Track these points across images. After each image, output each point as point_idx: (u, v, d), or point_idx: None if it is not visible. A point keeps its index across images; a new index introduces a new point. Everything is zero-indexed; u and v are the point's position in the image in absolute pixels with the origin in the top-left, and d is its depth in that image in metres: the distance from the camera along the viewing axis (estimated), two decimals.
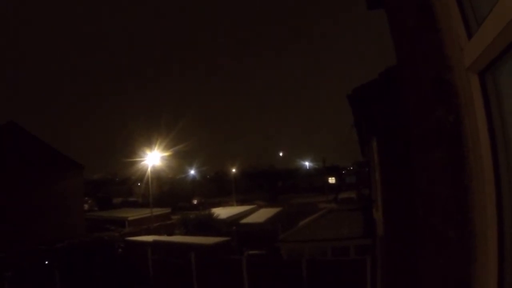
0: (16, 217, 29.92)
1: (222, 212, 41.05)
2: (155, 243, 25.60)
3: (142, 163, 45.93)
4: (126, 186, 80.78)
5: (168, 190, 69.69)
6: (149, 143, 45.10)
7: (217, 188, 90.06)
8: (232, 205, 58.00)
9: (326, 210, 26.51)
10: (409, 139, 4.81)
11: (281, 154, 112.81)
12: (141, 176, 52.11)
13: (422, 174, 3.85)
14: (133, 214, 46.20)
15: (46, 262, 24.20)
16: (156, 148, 44.69)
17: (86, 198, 59.92)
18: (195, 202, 75.58)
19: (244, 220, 39.37)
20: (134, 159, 48.09)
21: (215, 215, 38.16)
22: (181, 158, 68.46)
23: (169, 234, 32.09)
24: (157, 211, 46.87)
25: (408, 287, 5.87)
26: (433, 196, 3.33)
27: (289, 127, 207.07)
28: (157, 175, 51.82)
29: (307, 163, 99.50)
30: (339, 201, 47.81)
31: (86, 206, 55.12)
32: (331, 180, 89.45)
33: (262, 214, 42.04)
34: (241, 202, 62.95)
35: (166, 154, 47.34)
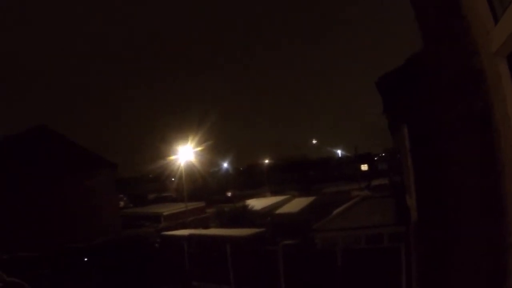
0: (53, 217, 30.52)
1: (256, 204, 41.06)
2: (190, 236, 25.77)
3: (175, 158, 46.25)
4: (159, 182, 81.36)
5: (201, 184, 70.03)
6: (181, 138, 45.40)
7: (250, 180, 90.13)
8: (265, 196, 57.91)
9: (359, 198, 26.33)
10: (438, 126, 4.76)
11: (314, 142, 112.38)
12: (175, 171, 52.55)
13: (453, 161, 3.81)
14: (168, 209, 46.50)
15: (85, 259, 24.60)
16: (188, 143, 44.93)
17: (121, 195, 60.66)
18: (229, 194, 75.91)
19: (278, 211, 39.36)
20: (167, 155, 48.54)
21: (249, 207, 38.24)
22: (213, 152, 68.82)
23: (205, 227, 32.30)
24: (192, 205, 47.11)
25: (442, 274, 5.81)
26: (464, 182, 3.29)
27: (321, 115, 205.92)
28: (190, 170, 52.04)
29: (339, 151, 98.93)
30: (371, 189, 47.41)
31: (121, 204, 55.83)
32: (363, 167, 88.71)
33: (295, 204, 41.96)
34: (274, 193, 62.78)
35: (198, 148, 47.58)
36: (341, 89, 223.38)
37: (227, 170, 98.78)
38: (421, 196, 8.26)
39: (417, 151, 8.40)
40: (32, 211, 29.73)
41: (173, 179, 71.29)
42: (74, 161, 33.84)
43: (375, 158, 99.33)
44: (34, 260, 22.75)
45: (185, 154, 44.20)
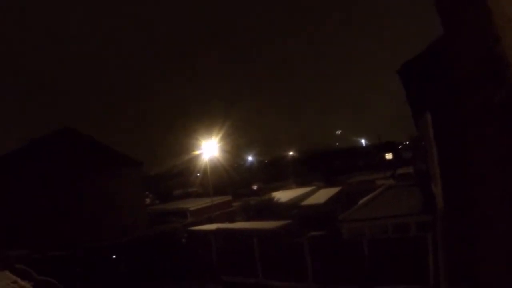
0: (81, 216, 31.02)
1: (282, 196, 41.00)
2: (217, 231, 25.92)
3: (199, 153, 46.45)
4: (185, 177, 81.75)
5: (226, 178, 70.24)
6: (206, 133, 45.58)
7: (275, 172, 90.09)
8: (291, 188, 57.80)
9: (384, 187, 26.14)
10: (462, 113, 4.68)
11: (338, 132, 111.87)
12: (200, 166, 52.75)
13: (477, 149, 3.75)
14: (194, 204, 46.63)
15: (113, 257, 24.90)
16: (212, 137, 45.08)
17: (147, 192, 61.11)
18: (254, 188, 75.96)
19: (304, 202, 39.26)
20: (191, 150, 48.81)
21: (275, 199, 38.19)
22: (238, 145, 68.96)
23: (231, 221, 32.42)
24: (218, 199, 47.20)
25: (470, 263, 5.74)
26: (489, 170, 3.24)
27: (344, 105, 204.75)
28: (215, 164, 52.23)
29: (363, 141, 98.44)
30: (396, 177, 46.97)
31: (147, 201, 56.21)
32: (388, 156, 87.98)
33: (321, 195, 41.82)
34: (300, 185, 62.57)
35: (222, 142, 47.71)
36: (363, 78, 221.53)
37: (252, 163, 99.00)
38: (446, 184, 8.18)
39: (441, 139, 8.31)
40: (61, 211, 30.28)
41: (198, 174, 71.68)
42: (100, 161, 34.30)
43: (399, 147, 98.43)
44: (65, 258, 23.12)
45: (210, 148, 44.33)
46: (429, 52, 7.96)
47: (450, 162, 7.69)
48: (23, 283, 14.33)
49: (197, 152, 47.06)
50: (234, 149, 64.00)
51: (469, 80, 3.23)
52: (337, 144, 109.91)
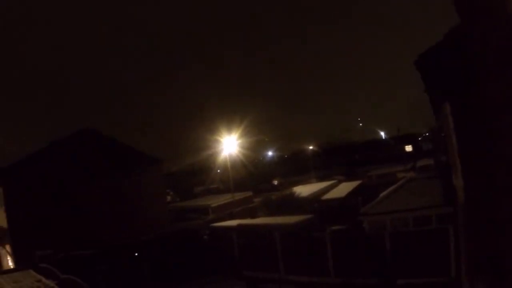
0: (104, 216, 31.36)
1: (303, 190, 40.90)
2: (239, 227, 25.98)
3: (220, 149, 46.63)
4: (205, 174, 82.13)
5: (247, 174, 70.34)
6: (226, 129, 45.68)
7: (296, 167, 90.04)
8: (311, 182, 57.73)
9: (405, 180, 25.95)
10: (482, 102, 4.62)
11: (357, 125, 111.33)
12: (220, 163, 52.92)
13: (497, 138, 3.69)
14: (215, 201, 46.79)
15: (136, 254, 25.11)
16: (232, 133, 45.17)
17: (168, 190, 61.44)
18: (275, 183, 76.04)
19: (325, 196, 39.16)
20: (212, 147, 49.03)
21: (296, 194, 38.10)
22: (257, 141, 68.96)
23: (253, 217, 32.46)
24: (239, 195, 47.34)
25: (491, 254, 5.67)
26: (510, 159, 3.19)
27: (363, 98, 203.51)
28: (235, 160, 52.40)
29: (382, 133, 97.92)
30: (417, 170, 46.61)
31: (168, 198, 56.49)
32: (408, 148, 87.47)
33: (342, 189, 41.70)
34: (320, 179, 62.49)
35: (242, 139, 47.79)
36: (381, 69, 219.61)
37: (272, 158, 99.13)
38: (467, 175, 8.08)
39: (461, 129, 8.22)
40: (83, 210, 30.67)
41: (218, 170, 71.92)
42: (121, 160, 34.64)
43: (419, 138, 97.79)
44: (88, 257, 23.37)
45: (230, 144, 44.45)
46: (446, 42, 7.87)
47: (471, 153, 7.60)
48: (47, 281, 14.51)
49: (217, 149, 47.24)
50: (254, 145, 64.00)
51: (489, 67, 3.18)
52: (357, 137, 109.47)
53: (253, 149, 66.77)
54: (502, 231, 4.65)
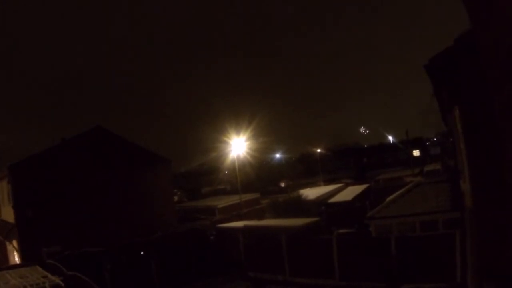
0: (112, 214, 31.52)
1: (310, 193, 40.92)
2: (246, 228, 26.01)
3: (228, 150, 46.60)
4: (213, 175, 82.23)
5: (255, 175, 70.33)
6: (234, 130, 45.63)
7: (304, 169, 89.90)
8: (319, 185, 57.67)
9: (412, 184, 25.86)
10: (492, 107, 4.61)
11: (366, 132, 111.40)
12: (228, 164, 52.94)
13: (506, 143, 3.69)
14: (222, 202, 46.82)
15: (142, 253, 25.19)
16: (241, 135, 45.14)
17: (175, 190, 61.50)
18: (283, 185, 75.99)
19: (333, 199, 39.21)
20: (220, 148, 49.02)
21: (303, 196, 38.10)
22: (266, 143, 68.89)
23: (259, 219, 32.46)
24: (246, 196, 47.23)
25: (499, 259, 5.66)
26: None
27: (372, 102, 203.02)
28: (244, 162, 52.39)
29: (390, 137, 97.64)
30: (425, 174, 46.46)
31: (175, 198, 56.59)
32: (416, 152, 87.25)
33: (349, 192, 41.71)
34: (328, 182, 62.38)
35: (250, 140, 47.73)
36: (391, 73, 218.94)
37: (280, 160, 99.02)
38: (475, 181, 8.06)
39: (470, 134, 8.20)
40: (92, 209, 30.81)
41: (226, 171, 71.95)
42: (130, 159, 34.77)
43: (427, 143, 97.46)
44: (96, 255, 23.48)
45: (238, 146, 44.41)
46: (456, 46, 7.86)
47: (480, 158, 7.59)
48: (53, 277, 14.55)
49: (225, 150, 47.22)
50: (262, 146, 63.92)
51: (500, 71, 3.19)
52: (365, 141, 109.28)
53: (261, 150, 66.70)
54: (509, 237, 4.66)
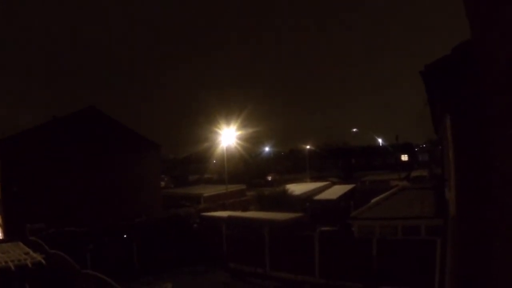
0: (98, 195, 31.52)
1: (296, 189, 40.96)
2: (229, 218, 26.02)
3: (217, 140, 46.55)
4: (202, 164, 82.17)
5: (242, 167, 70.37)
6: (224, 121, 45.55)
7: (292, 164, 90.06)
8: (306, 182, 57.83)
9: (398, 188, 25.98)
10: (484, 117, 4.65)
11: (355, 130, 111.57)
12: (217, 154, 52.89)
13: (497, 153, 3.73)
14: (208, 191, 46.85)
15: (125, 236, 25.18)
16: (231, 125, 45.06)
17: (162, 176, 61.41)
18: (269, 178, 76.17)
19: (318, 197, 39.30)
20: (209, 138, 48.98)
21: (289, 191, 38.13)
22: (256, 135, 68.84)
23: (244, 210, 32.49)
24: (232, 187, 47.29)
25: (479, 269, 5.72)
26: (508, 175, 3.22)
27: (363, 103, 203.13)
28: (232, 152, 52.39)
29: (380, 140, 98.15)
30: (411, 179, 46.74)
31: (162, 184, 56.56)
32: (404, 157, 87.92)
33: (335, 191, 41.87)
34: (315, 179, 62.61)
35: (240, 131, 47.69)
36: (385, 78, 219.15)
37: (268, 153, 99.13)
38: (461, 190, 8.11)
39: (459, 143, 8.24)
40: (79, 188, 30.78)
41: (214, 161, 71.92)
42: (121, 142, 34.74)
43: (416, 149, 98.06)
44: (79, 234, 23.46)
45: (228, 137, 44.37)
46: (454, 55, 7.89)
47: (467, 166, 7.63)
48: (34, 255, 14.54)
49: (215, 140, 47.20)
50: (252, 139, 63.86)
51: (495, 83, 3.21)
52: (355, 141, 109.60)
53: (251, 141, 66.57)
54: (490, 247, 4.70)
